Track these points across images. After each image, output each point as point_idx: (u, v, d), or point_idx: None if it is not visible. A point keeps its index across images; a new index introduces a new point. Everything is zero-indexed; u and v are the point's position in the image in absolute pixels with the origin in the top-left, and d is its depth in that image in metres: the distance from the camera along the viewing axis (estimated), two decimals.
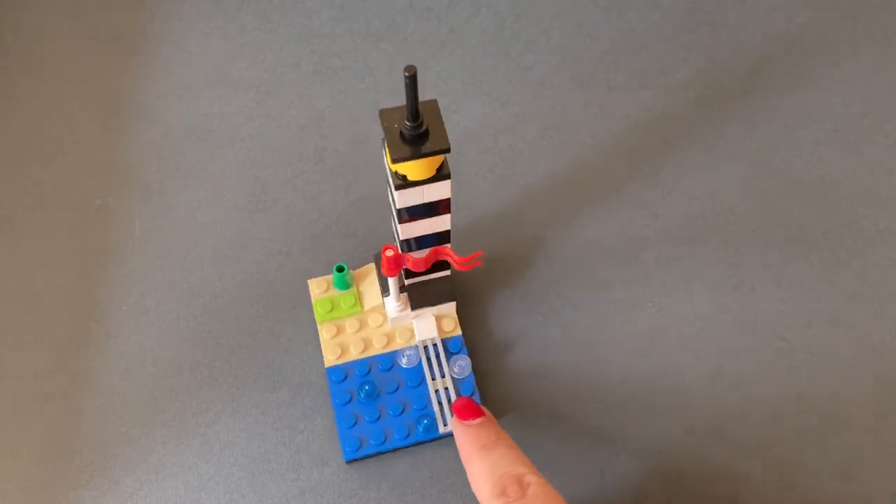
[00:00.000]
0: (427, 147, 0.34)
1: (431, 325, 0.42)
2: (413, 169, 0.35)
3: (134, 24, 0.52)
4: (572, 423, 0.41)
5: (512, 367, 0.42)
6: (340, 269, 0.42)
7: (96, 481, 0.40)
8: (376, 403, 0.40)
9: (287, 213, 0.46)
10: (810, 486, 0.39)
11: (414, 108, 0.33)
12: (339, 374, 0.41)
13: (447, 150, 0.34)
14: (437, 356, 0.41)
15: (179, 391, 0.42)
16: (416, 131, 0.33)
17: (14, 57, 0.51)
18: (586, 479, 0.40)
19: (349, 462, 0.40)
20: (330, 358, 0.41)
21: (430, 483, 0.40)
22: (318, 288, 0.43)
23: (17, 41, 0.52)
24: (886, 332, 0.43)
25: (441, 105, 0.49)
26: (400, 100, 0.49)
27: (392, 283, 0.40)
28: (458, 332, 0.42)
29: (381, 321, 0.42)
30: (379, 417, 0.40)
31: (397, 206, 0.36)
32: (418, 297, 0.41)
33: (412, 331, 0.42)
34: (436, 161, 0.35)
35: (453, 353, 0.41)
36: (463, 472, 0.39)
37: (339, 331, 0.42)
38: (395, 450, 0.40)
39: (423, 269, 0.39)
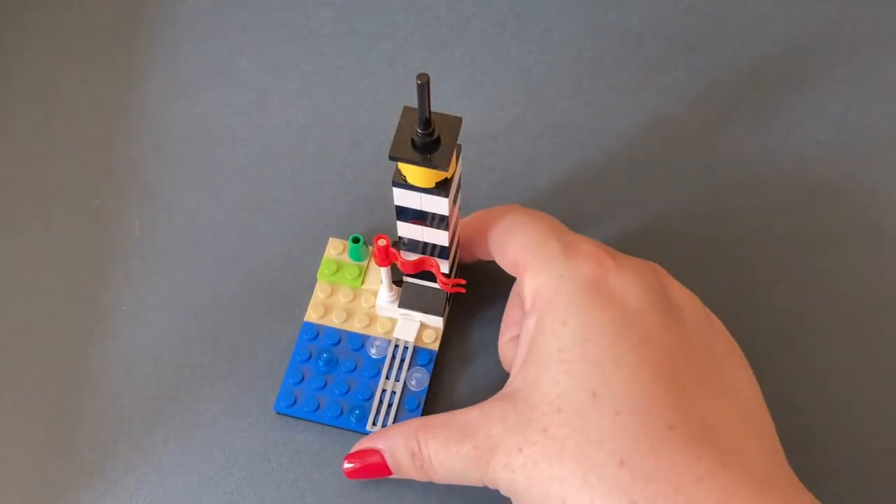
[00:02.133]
0: (425, 159, 0.34)
1: (413, 329, 0.42)
2: (412, 173, 0.35)
3: (134, 24, 0.52)
4: None
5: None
6: (356, 241, 0.42)
7: (96, 481, 0.40)
8: (327, 374, 0.41)
9: (287, 213, 0.46)
10: None
11: (425, 115, 0.33)
12: (311, 332, 0.42)
13: (443, 169, 0.34)
14: (402, 360, 0.41)
15: (179, 391, 0.42)
16: (425, 139, 0.33)
17: (13, 56, 0.51)
18: None
19: (278, 413, 0.41)
20: (312, 315, 0.42)
21: (430, 483, 0.40)
22: (335, 249, 0.44)
23: (16, 40, 0.52)
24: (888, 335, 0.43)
25: (441, 105, 0.49)
26: (400, 99, 0.49)
27: (384, 272, 0.40)
28: (436, 347, 0.42)
29: (372, 302, 0.42)
30: (323, 387, 0.41)
31: (394, 203, 0.36)
32: (408, 297, 0.41)
33: (393, 326, 0.42)
34: (438, 175, 0.35)
35: (419, 365, 0.41)
36: None
37: (332, 293, 0.43)
38: (322, 424, 0.41)
39: (410, 272, 0.40)
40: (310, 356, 0.41)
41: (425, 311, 0.41)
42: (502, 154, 0.48)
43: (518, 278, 0.38)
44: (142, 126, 0.49)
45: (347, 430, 0.40)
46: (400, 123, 0.34)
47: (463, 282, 0.40)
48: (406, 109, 0.34)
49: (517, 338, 0.39)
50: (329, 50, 0.51)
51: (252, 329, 0.43)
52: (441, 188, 0.35)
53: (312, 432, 0.41)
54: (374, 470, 0.38)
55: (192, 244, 0.45)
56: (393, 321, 0.42)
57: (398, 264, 0.39)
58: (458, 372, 0.42)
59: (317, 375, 0.41)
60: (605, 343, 0.33)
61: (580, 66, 0.51)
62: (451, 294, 0.42)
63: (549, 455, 0.32)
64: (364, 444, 0.38)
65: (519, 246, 0.37)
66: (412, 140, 0.34)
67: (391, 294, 0.41)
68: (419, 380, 0.41)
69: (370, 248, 0.43)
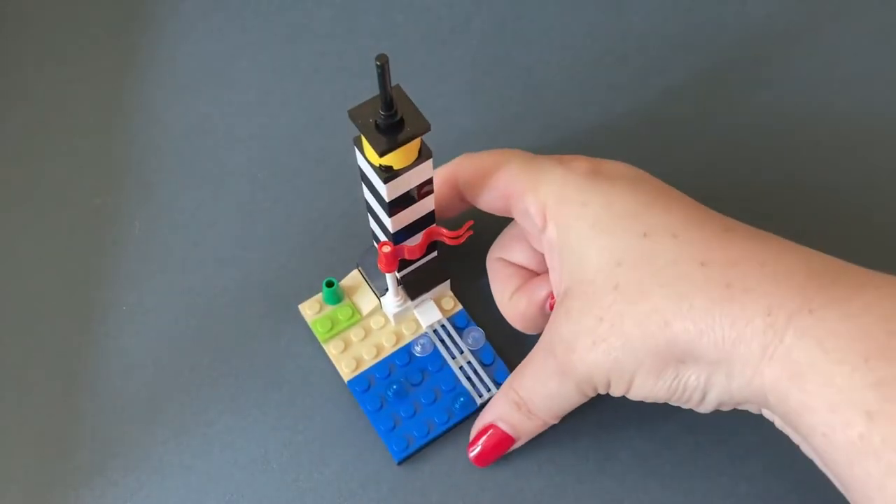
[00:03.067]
0: (409, 131, 0.34)
1: (433, 308, 0.42)
2: (398, 157, 0.34)
3: (134, 24, 0.52)
4: None
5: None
6: (330, 284, 0.42)
7: (96, 481, 0.40)
8: (408, 399, 0.40)
9: (287, 213, 0.46)
10: None
11: (388, 97, 0.33)
12: (362, 384, 0.41)
13: (428, 129, 0.34)
14: (449, 335, 0.42)
15: (179, 391, 0.42)
16: (392, 119, 0.33)
17: (14, 56, 0.51)
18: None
19: (400, 463, 0.40)
20: (346, 371, 0.41)
21: (430, 482, 0.40)
22: (311, 310, 0.42)
23: (16, 41, 0.52)
24: None
25: (441, 105, 0.49)
26: None
27: (390, 279, 0.40)
28: (459, 307, 0.43)
29: (383, 322, 0.42)
30: (415, 412, 0.40)
31: (388, 200, 0.36)
32: (415, 286, 0.41)
33: (416, 322, 0.42)
34: (416, 144, 0.35)
35: (462, 329, 0.42)
36: (464, 473, 0.40)
37: (347, 344, 0.42)
38: (438, 437, 0.40)
39: (419, 255, 0.39)
40: (381, 403, 0.40)
41: (436, 284, 0.42)
42: None
43: (515, 208, 0.38)
44: (142, 126, 0.49)
45: (466, 419, 0.40)
46: (359, 125, 0.33)
47: (470, 223, 0.39)
48: (353, 112, 0.34)
49: (521, 289, 0.40)
50: (329, 50, 0.51)
51: (252, 329, 0.43)
52: (423, 153, 0.35)
53: (312, 432, 0.41)
54: (498, 444, 0.38)
55: (192, 244, 0.45)
56: (412, 318, 0.42)
57: (406, 255, 0.38)
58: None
59: (402, 407, 0.40)
60: (630, 199, 0.35)
61: (580, 66, 0.51)
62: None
63: (631, 300, 0.33)
64: (476, 426, 0.39)
65: (507, 177, 0.38)
66: (378, 127, 0.33)
67: (398, 298, 0.41)
68: (475, 337, 0.42)
69: (340, 283, 0.43)
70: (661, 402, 0.34)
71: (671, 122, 0.49)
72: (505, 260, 0.41)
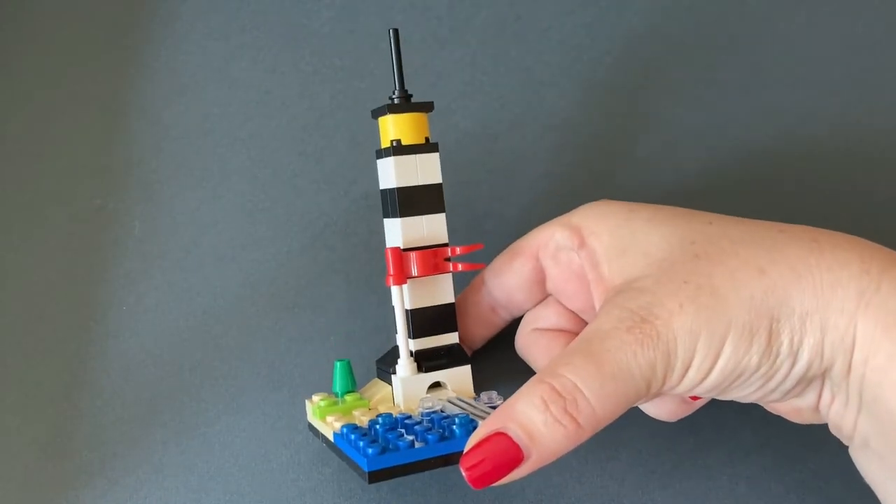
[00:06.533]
0: (414, 104, 0.38)
1: (447, 391, 0.38)
2: (404, 130, 0.37)
3: (134, 23, 0.52)
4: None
5: None
6: (342, 360, 0.39)
7: (96, 481, 0.40)
8: (397, 430, 0.35)
9: (287, 213, 0.46)
10: None
11: (400, 73, 0.38)
12: (349, 428, 0.35)
13: (431, 109, 0.38)
14: (462, 400, 0.37)
15: (179, 391, 0.42)
16: (402, 97, 0.38)
17: (14, 56, 0.51)
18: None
19: (373, 478, 0.33)
20: (336, 426, 0.36)
21: (430, 483, 0.40)
22: (317, 397, 0.39)
23: (17, 41, 0.52)
24: None
25: (441, 105, 0.49)
26: None
27: (397, 299, 0.37)
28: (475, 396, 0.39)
29: (390, 407, 0.38)
30: (401, 436, 0.34)
31: (396, 185, 0.37)
32: (429, 361, 0.38)
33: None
34: (422, 123, 0.37)
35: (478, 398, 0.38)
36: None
37: (344, 416, 0.37)
38: (425, 461, 0.33)
39: (428, 271, 0.38)
40: (364, 434, 0.34)
41: (452, 365, 0.39)
42: (502, 154, 0.48)
43: (544, 253, 0.38)
44: (142, 126, 0.49)
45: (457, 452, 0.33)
46: (374, 113, 0.39)
47: (480, 246, 0.38)
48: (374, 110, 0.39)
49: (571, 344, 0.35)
50: (329, 50, 0.51)
51: (252, 329, 0.43)
52: (430, 145, 0.38)
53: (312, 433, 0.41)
54: (503, 460, 0.30)
55: (192, 244, 0.45)
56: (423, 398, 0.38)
57: (414, 268, 0.37)
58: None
59: (390, 433, 0.34)
60: (677, 209, 0.36)
61: (580, 66, 0.51)
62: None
63: (718, 261, 0.32)
64: (477, 434, 0.30)
65: (532, 237, 0.39)
66: (392, 104, 0.38)
67: (412, 364, 0.38)
68: (491, 396, 0.37)
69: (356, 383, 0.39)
70: (747, 378, 0.31)
71: (671, 122, 0.49)
72: (540, 329, 0.39)
